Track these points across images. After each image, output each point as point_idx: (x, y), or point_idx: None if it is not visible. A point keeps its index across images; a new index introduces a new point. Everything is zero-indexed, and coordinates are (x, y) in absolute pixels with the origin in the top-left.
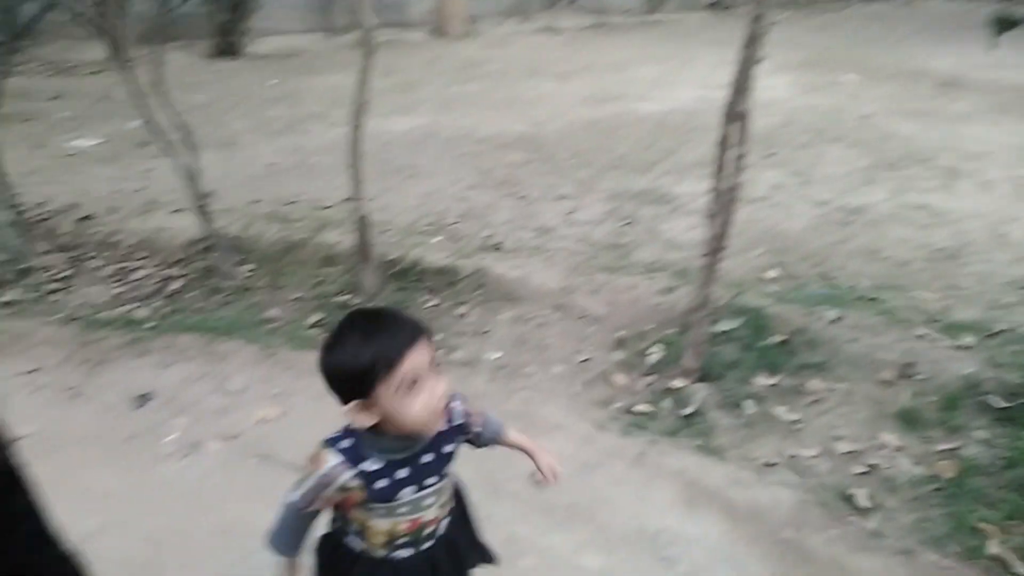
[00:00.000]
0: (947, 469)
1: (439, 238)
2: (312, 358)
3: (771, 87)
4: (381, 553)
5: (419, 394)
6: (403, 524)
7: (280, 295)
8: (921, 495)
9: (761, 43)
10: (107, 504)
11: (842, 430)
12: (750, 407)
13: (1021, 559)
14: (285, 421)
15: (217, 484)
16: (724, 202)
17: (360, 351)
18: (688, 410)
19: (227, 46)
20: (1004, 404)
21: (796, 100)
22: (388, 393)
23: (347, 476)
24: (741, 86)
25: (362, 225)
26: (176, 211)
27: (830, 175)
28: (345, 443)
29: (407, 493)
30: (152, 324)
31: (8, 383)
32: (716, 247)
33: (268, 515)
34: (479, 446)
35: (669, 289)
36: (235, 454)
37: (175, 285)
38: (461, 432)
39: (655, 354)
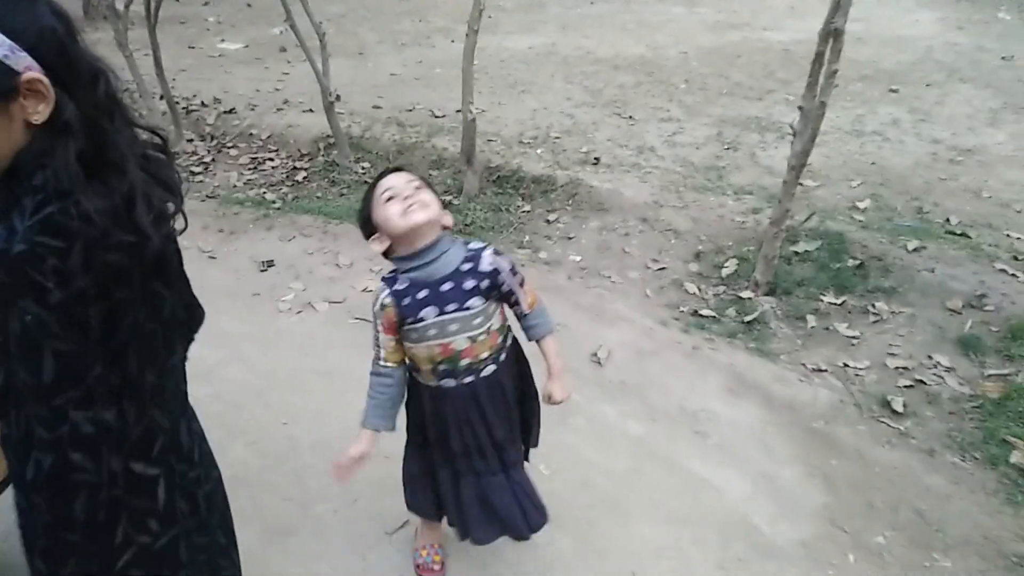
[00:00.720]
0: (993, 391)
1: (541, 150)
2: None
3: (915, 22)
4: (433, 382)
5: (394, 203)
6: (436, 349)
7: None
8: (959, 410)
9: None
10: (233, 343)
11: (898, 349)
12: (812, 321)
13: None
14: None
15: (322, 337)
16: (810, 119)
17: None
18: (750, 317)
19: None
20: None
21: (938, 37)
22: (377, 210)
23: (384, 294)
24: (838, 3)
25: (467, 130)
26: (307, 111)
27: (952, 115)
28: (388, 275)
29: (429, 313)
30: (278, 205)
31: None
32: (799, 163)
33: (361, 363)
34: (529, 338)
35: (756, 210)
36: (338, 314)
37: (300, 175)
38: (490, 281)
39: (729, 267)
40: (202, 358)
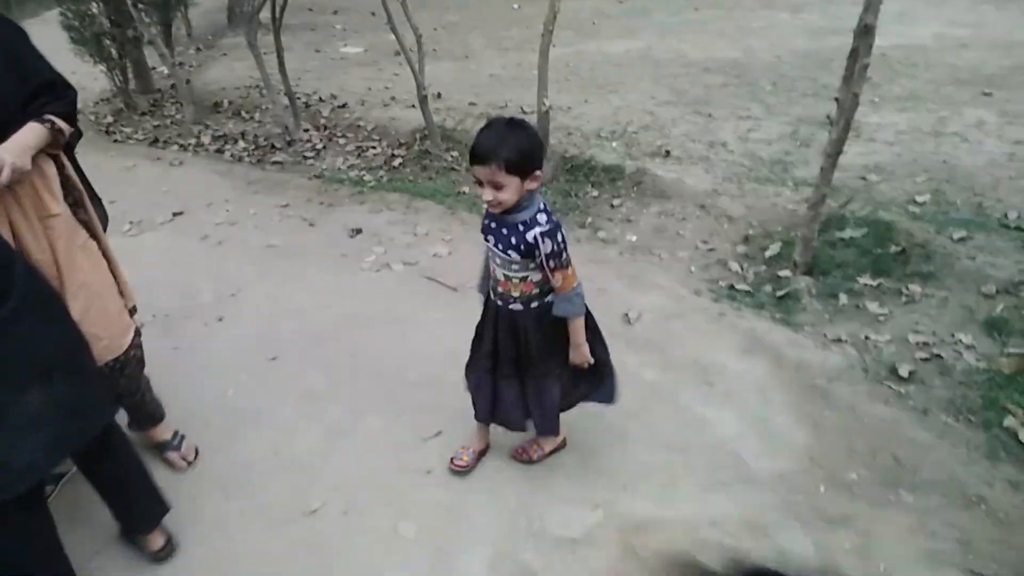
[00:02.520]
0: (1007, 366)
1: (616, 143)
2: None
3: None
4: (490, 286)
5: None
6: (490, 265)
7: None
8: (969, 381)
9: None
10: (319, 292)
11: (923, 327)
12: (843, 299)
13: None
14: (450, 258)
15: (394, 291)
16: (844, 109)
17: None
18: (782, 292)
19: None
20: None
21: None
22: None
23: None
24: (869, 2)
25: (541, 121)
26: (409, 107)
27: None
28: None
29: (489, 240)
30: (372, 184)
31: (270, 211)
32: (835, 151)
33: (423, 313)
34: (553, 311)
35: (810, 199)
36: (411, 274)
37: (397, 161)
38: (526, 248)
39: (773, 250)
40: (293, 302)
